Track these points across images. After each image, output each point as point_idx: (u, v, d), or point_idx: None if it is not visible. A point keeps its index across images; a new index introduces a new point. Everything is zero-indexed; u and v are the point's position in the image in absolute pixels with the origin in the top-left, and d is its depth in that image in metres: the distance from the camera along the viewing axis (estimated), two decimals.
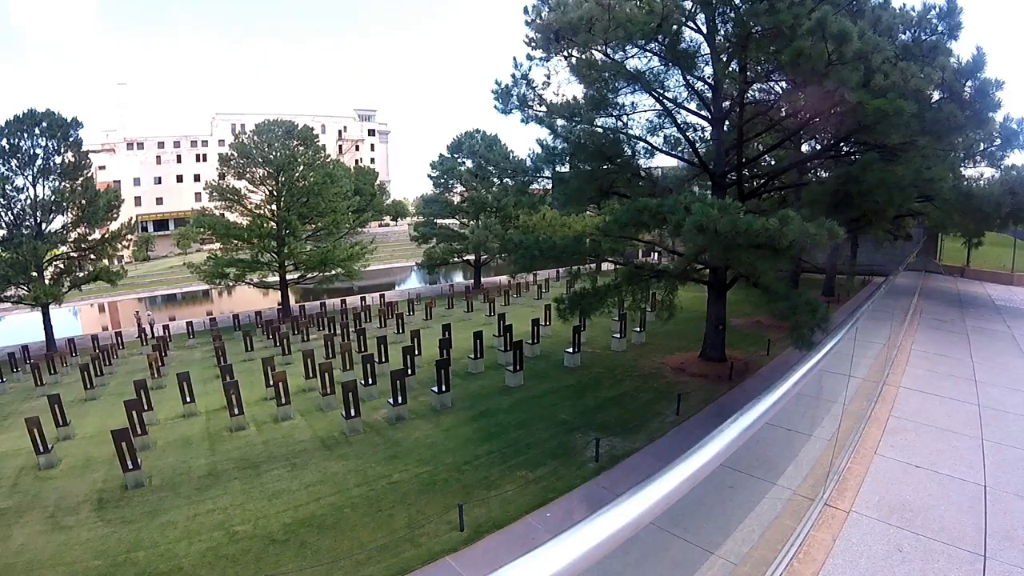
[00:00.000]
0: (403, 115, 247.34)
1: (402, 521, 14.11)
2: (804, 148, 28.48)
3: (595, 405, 20.97)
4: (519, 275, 45.55)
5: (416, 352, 27.10)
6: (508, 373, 24.14)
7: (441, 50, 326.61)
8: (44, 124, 41.48)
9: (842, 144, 22.36)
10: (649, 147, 24.24)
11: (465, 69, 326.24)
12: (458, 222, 58.34)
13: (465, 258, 56.84)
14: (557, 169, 24.74)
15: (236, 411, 22.17)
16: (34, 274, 41.60)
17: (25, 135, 41.02)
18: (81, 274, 44.93)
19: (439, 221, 58.30)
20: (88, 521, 16.28)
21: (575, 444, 17.63)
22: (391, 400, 21.28)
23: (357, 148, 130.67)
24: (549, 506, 14.15)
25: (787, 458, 4.95)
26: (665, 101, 23.13)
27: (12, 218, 41.90)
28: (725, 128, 22.94)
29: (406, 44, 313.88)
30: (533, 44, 22.27)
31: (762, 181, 25.10)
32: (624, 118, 23.99)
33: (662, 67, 22.15)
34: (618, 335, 28.58)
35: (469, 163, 55.45)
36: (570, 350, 26.28)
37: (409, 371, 24.34)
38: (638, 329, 29.63)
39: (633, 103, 23.69)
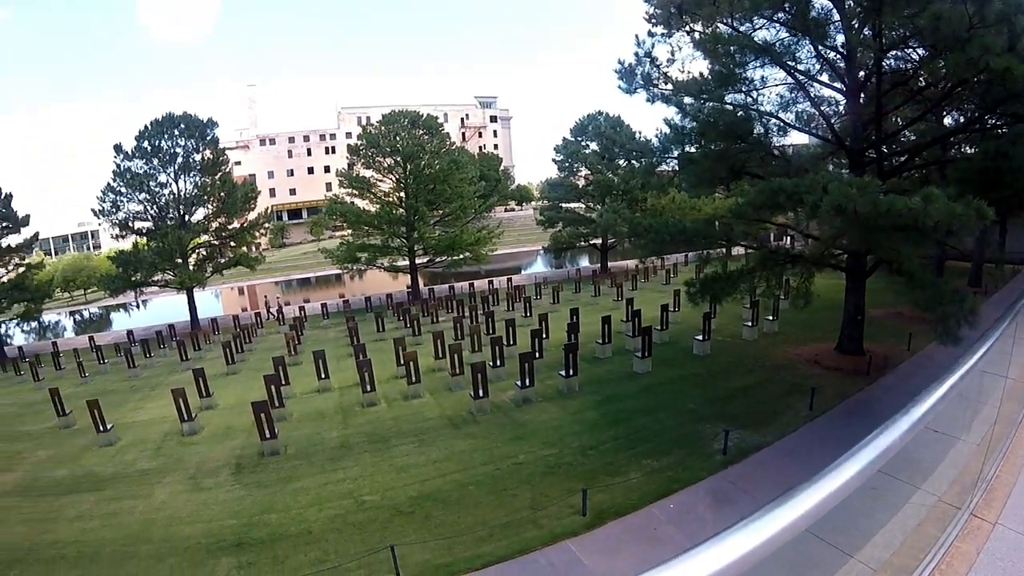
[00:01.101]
0: (524, 100, 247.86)
1: (524, 501, 14.15)
2: (947, 121, 26.38)
3: (724, 395, 20.19)
4: (647, 259, 44.99)
5: (544, 335, 27.13)
6: (636, 359, 23.66)
7: (559, 31, 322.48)
8: (182, 125, 45.94)
9: (988, 116, 20.43)
10: (781, 124, 22.79)
11: (584, 50, 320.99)
12: (583, 206, 57.55)
13: (591, 242, 56.25)
14: (685, 149, 23.90)
15: (368, 388, 22.96)
16: (179, 261, 45.98)
17: (165, 136, 45.36)
18: (222, 260, 49.49)
19: (565, 205, 57.96)
20: (225, 484, 17.50)
21: (702, 434, 17.05)
22: (518, 382, 21.38)
23: (480, 135, 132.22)
24: (673, 497, 13.74)
25: (934, 462, 4.51)
26: (796, 74, 21.68)
27: (157, 211, 46.34)
28: (861, 101, 21.22)
29: (523, 27, 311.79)
30: (654, 20, 21.53)
31: (902, 158, 23.14)
32: (754, 94, 22.61)
33: (791, 37, 20.69)
34: (749, 323, 27.33)
35: (593, 145, 54.55)
36: (699, 337, 25.38)
37: (537, 354, 24.46)
38: (771, 317, 28.18)
39: (763, 77, 22.24)
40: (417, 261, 51.65)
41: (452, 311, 40.06)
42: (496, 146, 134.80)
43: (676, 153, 24.17)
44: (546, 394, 21.64)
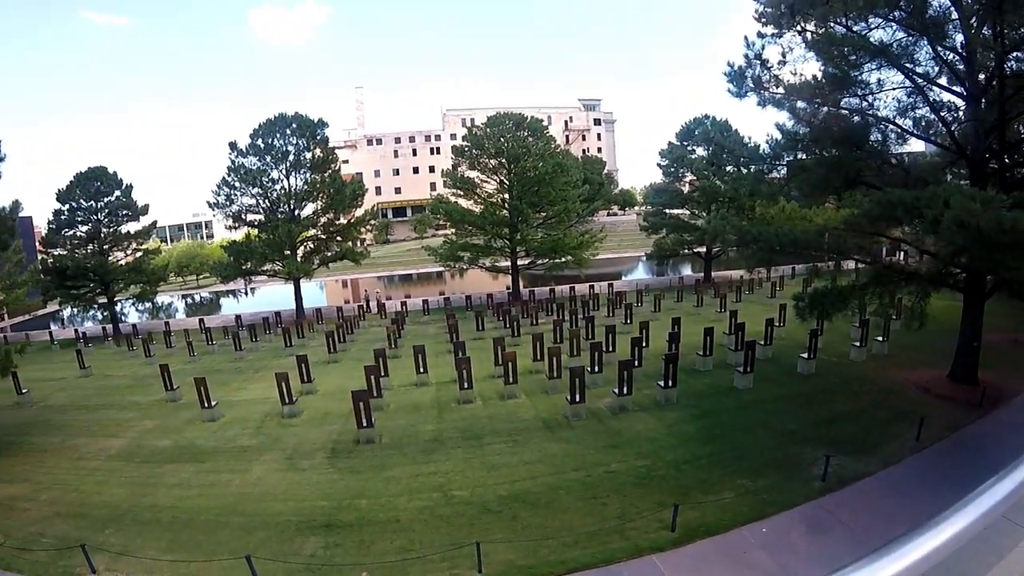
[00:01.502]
0: (629, 103, 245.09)
1: (614, 511, 13.90)
2: None
3: (827, 418, 19.17)
4: (754, 270, 43.57)
5: (644, 344, 26.54)
6: (737, 374, 22.91)
7: (669, 32, 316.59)
8: (294, 125, 48.04)
9: None
10: (899, 130, 21.44)
11: (695, 51, 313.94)
12: (688, 212, 56.00)
13: (695, 250, 54.45)
14: (797, 156, 22.91)
15: (465, 385, 23.25)
16: (288, 253, 48.13)
17: (278, 135, 47.69)
18: (329, 254, 51.04)
19: (669, 211, 56.62)
20: (320, 466, 18.15)
21: (801, 457, 16.24)
22: (616, 390, 21.10)
23: (583, 138, 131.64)
24: (766, 521, 13.15)
25: None
26: (915, 77, 20.06)
27: (269, 205, 48.68)
28: (983, 106, 19.31)
29: (631, 28, 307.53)
30: (764, 20, 20.57)
31: None
32: (869, 98, 21.09)
33: (908, 38, 19.28)
34: (858, 343, 25.84)
35: (700, 151, 52.94)
36: (804, 355, 24.21)
37: (636, 362, 23.96)
38: (881, 338, 26.44)
39: (879, 80, 20.66)
40: (519, 262, 51.63)
41: (552, 314, 39.64)
42: (600, 149, 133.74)
43: (787, 160, 23.26)
44: (643, 404, 21.22)
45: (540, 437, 19.00)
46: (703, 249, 53.78)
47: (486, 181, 50.77)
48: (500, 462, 17.30)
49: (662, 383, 21.53)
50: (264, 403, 25.17)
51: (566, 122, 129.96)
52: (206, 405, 23.86)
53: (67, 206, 49.19)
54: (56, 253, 50.32)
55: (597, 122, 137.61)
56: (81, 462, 20.93)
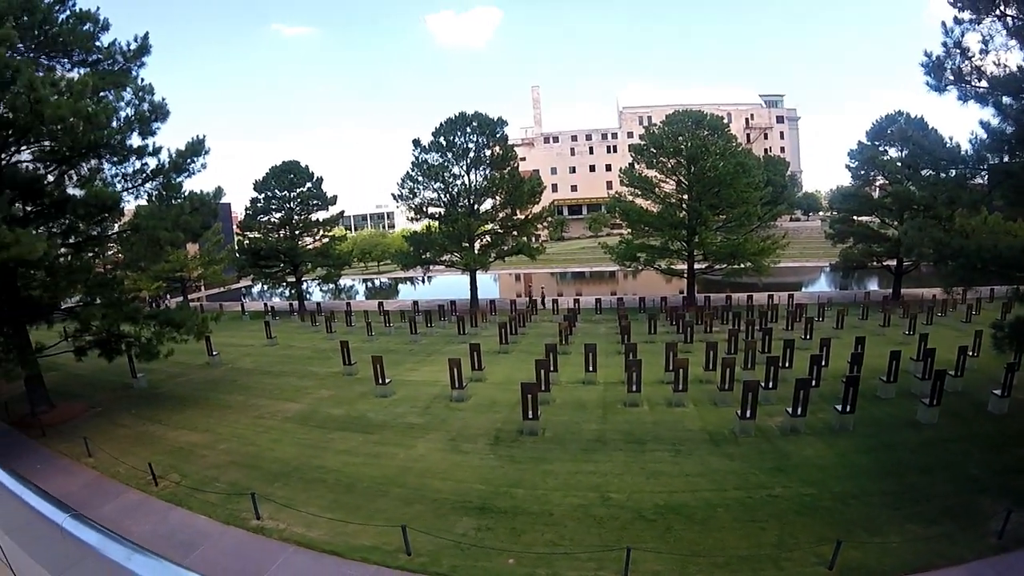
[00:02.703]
0: (814, 98, 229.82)
1: (771, 538, 13.41)
2: None
3: (1014, 467, 16.94)
4: (952, 290, 39.42)
5: (823, 362, 25.14)
6: (921, 406, 20.76)
7: (860, 20, 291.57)
8: (474, 123, 50.07)
9: None
10: None
11: (888, 40, 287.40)
12: (877, 220, 51.33)
13: (884, 263, 49.72)
14: (1002, 159, 20.41)
15: (633, 388, 23.06)
16: (466, 245, 50.55)
17: (458, 133, 49.92)
18: (505, 248, 52.50)
19: (857, 218, 52.35)
20: (481, 451, 18.85)
21: (979, 508, 14.58)
22: (789, 409, 20.17)
23: (765, 136, 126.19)
24: (932, 574, 12.10)
25: None
26: None
27: (450, 199, 51.35)
28: None
29: (816, 17, 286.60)
30: (960, 5, 18.63)
31: None
32: None
33: None
34: None
35: (893, 151, 47.65)
36: (998, 392, 21.33)
37: (813, 382, 22.44)
38: None
39: None
40: (695, 266, 50.25)
41: (727, 322, 38.52)
42: (782, 149, 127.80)
43: (990, 164, 20.83)
44: (816, 427, 20.06)
45: (704, 450, 18.56)
46: (893, 262, 49.25)
47: (664, 181, 49.51)
48: (660, 470, 17.12)
49: (839, 407, 20.15)
50: (434, 385, 26.41)
51: (747, 120, 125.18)
52: (380, 382, 25.60)
53: (263, 195, 56.55)
54: (252, 236, 57.31)
55: (779, 119, 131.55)
56: (260, 420, 23.42)
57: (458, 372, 24.13)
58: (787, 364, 26.32)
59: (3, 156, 22.04)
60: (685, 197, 48.43)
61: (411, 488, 16.37)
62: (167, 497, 16.67)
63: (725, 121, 52.58)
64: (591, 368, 26.25)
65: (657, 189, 49.47)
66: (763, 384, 22.61)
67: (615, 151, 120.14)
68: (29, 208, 23.95)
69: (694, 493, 15.63)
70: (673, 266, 50.79)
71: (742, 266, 47.71)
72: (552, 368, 25.17)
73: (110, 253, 27.85)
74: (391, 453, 19.03)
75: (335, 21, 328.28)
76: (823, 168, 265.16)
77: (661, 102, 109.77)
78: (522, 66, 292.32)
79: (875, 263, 49.94)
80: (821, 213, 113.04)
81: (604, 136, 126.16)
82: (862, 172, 50.11)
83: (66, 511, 2.38)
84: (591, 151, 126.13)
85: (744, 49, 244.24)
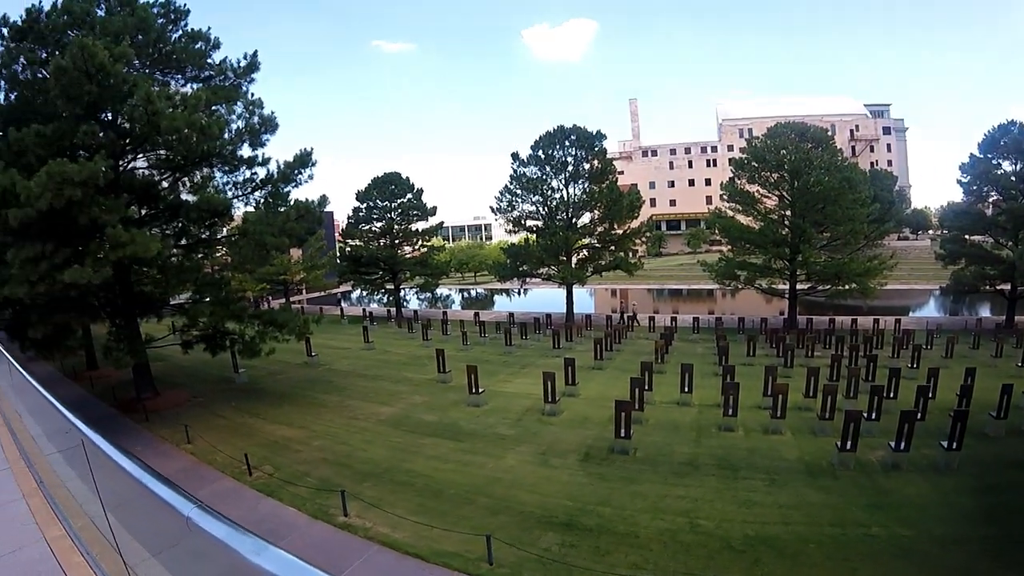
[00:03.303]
0: (923, 107, 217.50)
1: None
2: None
3: None
4: None
5: (930, 394, 23.55)
6: None
7: (974, 22, 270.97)
8: (573, 137, 50.20)
9: None
10: None
11: (997, 49, 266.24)
12: (991, 240, 47.70)
13: (998, 287, 45.71)
14: None
15: (730, 412, 22.18)
16: (563, 258, 50.42)
17: (557, 146, 50.22)
18: (603, 263, 52.44)
19: (969, 237, 48.46)
20: (570, 467, 18.47)
21: None
22: (892, 443, 18.66)
23: (871, 149, 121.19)
24: None
25: None
26: None
27: (548, 212, 51.55)
28: None
29: (925, 25, 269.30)
30: None
31: None
32: None
33: None
34: None
35: (1007, 165, 43.66)
36: None
37: (919, 415, 20.67)
38: None
39: None
40: (797, 287, 47.90)
41: (830, 347, 36.78)
42: (889, 162, 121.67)
43: None
44: (919, 464, 18.53)
45: (800, 481, 17.57)
46: (1007, 287, 45.22)
47: (766, 196, 47.76)
48: (753, 499, 16.31)
49: (945, 444, 18.55)
50: (527, 398, 26.19)
51: (851, 131, 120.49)
52: (473, 391, 25.56)
53: (365, 204, 59.28)
54: (353, 243, 60.18)
55: (886, 131, 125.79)
56: (353, 421, 23.94)
57: (552, 386, 23.87)
58: (892, 394, 24.50)
59: (121, 163, 24.05)
60: (788, 213, 46.57)
61: (498, 498, 16.25)
62: (259, 487, 17.28)
63: (829, 133, 50.50)
64: (687, 389, 25.50)
65: (758, 205, 47.75)
66: (865, 415, 20.85)
67: (715, 165, 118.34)
68: (144, 211, 26.29)
69: (786, 526, 14.80)
70: (774, 286, 48.85)
71: (847, 287, 44.86)
72: (647, 387, 24.64)
73: (218, 255, 29.51)
74: (480, 462, 19.00)
75: (434, 37, 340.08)
76: (933, 183, 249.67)
77: (762, 114, 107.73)
78: (618, 79, 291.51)
79: (988, 287, 46.02)
80: (931, 232, 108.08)
81: (703, 149, 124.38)
82: (975, 187, 45.94)
83: (193, 502, 2.37)
84: (690, 165, 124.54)
85: (849, 57, 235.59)
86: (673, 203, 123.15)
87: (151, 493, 2.59)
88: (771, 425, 21.73)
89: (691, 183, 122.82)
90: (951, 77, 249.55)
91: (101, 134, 21.61)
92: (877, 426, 21.16)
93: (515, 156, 51.90)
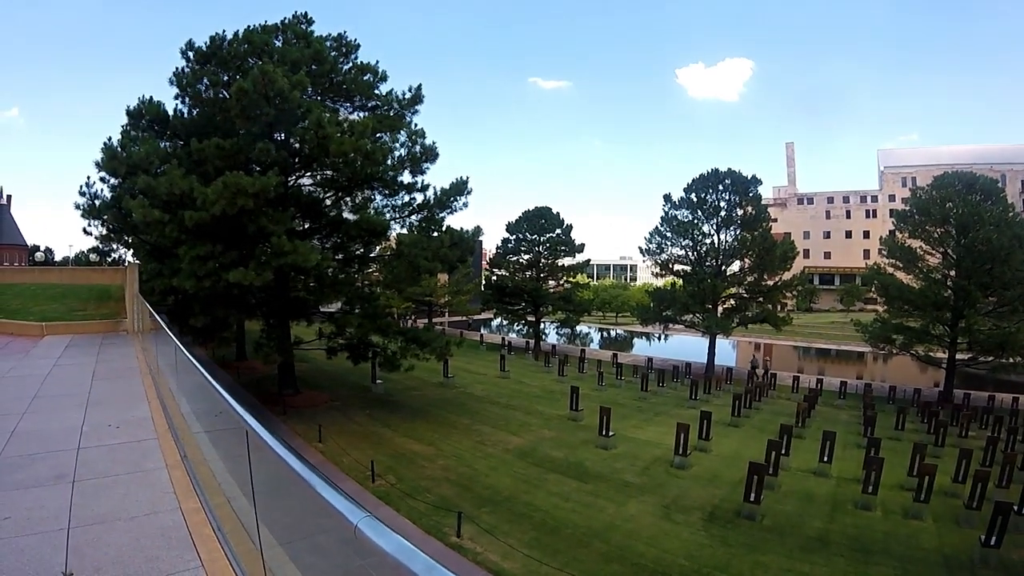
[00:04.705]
0: None
1: None
2: None
3: None
4: None
5: None
6: None
7: None
8: (727, 181, 49.33)
9: None
10: None
11: None
12: None
13: None
14: None
15: (870, 489, 20.48)
16: (709, 307, 48.95)
17: (710, 190, 49.42)
18: (750, 314, 50.74)
19: None
20: (693, 525, 17.98)
21: None
22: None
23: None
24: None
25: None
26: None
27: (697, 257, 50.59)
28: None
29: None
30: None
31: None
32: None
33: None
34: None
35: None
36: None
37: None
38: None
39: None
40: (957, 356, 42.93)
41: (986, 427, 33.53)
42: None
43: None
44: None
45: (935, 575, 16.34)
46: None
47: (929, 253, 43.68)
48: None
49: None
50: (657, 447, 25.72)
51: (1023, 181, 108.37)
52: (604, 433, 25.53)
53: (514, 236, 60.73)
54: (499, 273, 62.07)
55: None
56: (481, 446, 24.56)
57: (684, 438, 23.31)
58: None
59: (290, 179, 26.72)
60: (952, 273, 42.46)
61: (614, 546, 16.11)
62: (380, 495, 18.13)
63: (999, 184, 46.82)
64: (826, 458, 24.02)
65: (920, 262, 43.82)
66: (1016, 508, 18.63)
67: (874, 216, 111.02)
68: (308, 224, 28.97)
69: None
70: (932, 354, 44.27)
71: (1011, 360, 40.35)
72: (784, 451, 23.76)
73: (370, 271, 31.47)
74: (601, 506, 18.91)
75: (587, 74, 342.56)
76: None
77: (926, 161, 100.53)
78: (774, 123, 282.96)
79: None
80: None
81: (863, 199, 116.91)
82: None
83: (362, 511, 2.45)
84: (848, 215, 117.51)
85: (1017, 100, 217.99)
86: (828, 255, 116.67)
87: (318, 495, 2.70)
88: (913, 509, 19.88)
89: (848, 235, 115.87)
90: None
91: (274, 152, 23.74)
92: None
93: (667, 198, 51.75)
